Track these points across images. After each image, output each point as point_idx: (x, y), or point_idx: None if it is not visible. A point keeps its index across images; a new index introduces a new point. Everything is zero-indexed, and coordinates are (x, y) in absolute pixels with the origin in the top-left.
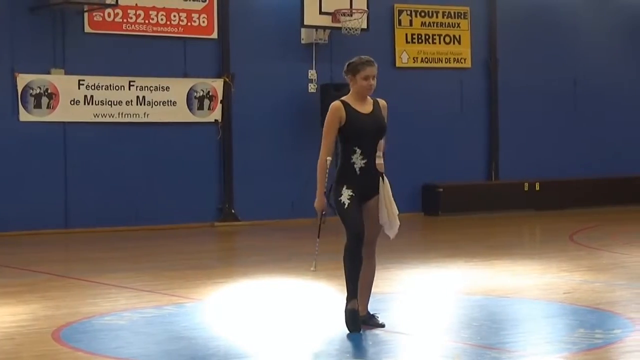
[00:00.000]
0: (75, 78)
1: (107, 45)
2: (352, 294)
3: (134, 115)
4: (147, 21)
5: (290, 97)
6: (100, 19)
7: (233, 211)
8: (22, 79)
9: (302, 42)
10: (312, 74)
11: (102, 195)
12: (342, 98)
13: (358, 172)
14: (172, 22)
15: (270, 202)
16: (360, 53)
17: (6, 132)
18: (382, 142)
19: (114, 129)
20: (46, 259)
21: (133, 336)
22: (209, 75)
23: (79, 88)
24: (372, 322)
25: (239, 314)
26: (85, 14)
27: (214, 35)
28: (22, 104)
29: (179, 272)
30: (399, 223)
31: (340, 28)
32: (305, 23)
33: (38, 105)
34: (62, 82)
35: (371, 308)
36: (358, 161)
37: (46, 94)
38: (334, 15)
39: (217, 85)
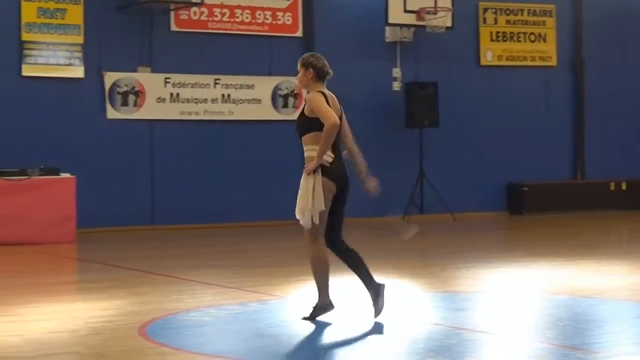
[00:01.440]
0: (162, 76)
1: (192, 43)
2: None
3: (219, 113)
4: (232, 19)
5: (374, 95)
6: (187, 17)
7: None
8: (110, 77)
9: (387, 40)
10: (396, 72)
11: (187, 192)
12: None
13: None
14: (257, 20)
15: (351, 200)
16: (445, 51)
17: (94, 129)
18: (310, 136)
19: (199, 127)
20: (133, 255)
21: (218, 332)
22: (293, 74)
23: (165, 86)
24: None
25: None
26: (172, 13)
27: (299, 33)
28: (109, 101)
29: (263, 270)
30: (309, 221)
31: (424, 26)
32: (389, 21)
33: (125, 103)
34: (149, 80)
35: (456, 306)
36: None
37: (133, 91)
38: (418, 13)
39: None
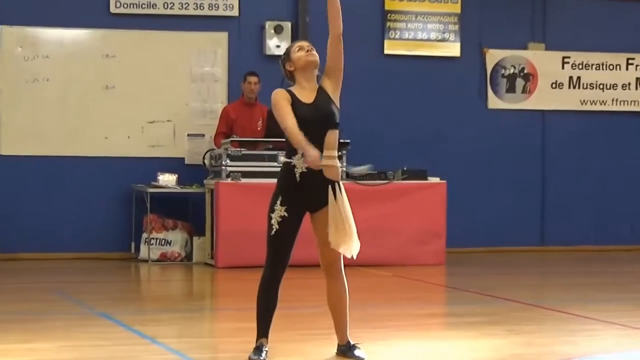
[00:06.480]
0: (559, 55)
1: (598, 13)
2: (260, 333)
3: (633, 103)
4: None
5: None
6: None
7: None
8: (492, 56)
9: None
10: None
11: (587, 206)
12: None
13: (298, 179)
14: None
15: None
16: None
17: (471, 122)
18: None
19: (607, 120)
20: (515, 283)
21: None
22: None
23: (562, 67)
24: (350, 354)
25: None
26: None
27: None
28: (491, 87)
29: None
30: (357, 244)
31: None
32: None
33: (512, 89)
34: (542, 60)
35: None
36: (299, 164)
37: (522, 74)
38: None
39: None
